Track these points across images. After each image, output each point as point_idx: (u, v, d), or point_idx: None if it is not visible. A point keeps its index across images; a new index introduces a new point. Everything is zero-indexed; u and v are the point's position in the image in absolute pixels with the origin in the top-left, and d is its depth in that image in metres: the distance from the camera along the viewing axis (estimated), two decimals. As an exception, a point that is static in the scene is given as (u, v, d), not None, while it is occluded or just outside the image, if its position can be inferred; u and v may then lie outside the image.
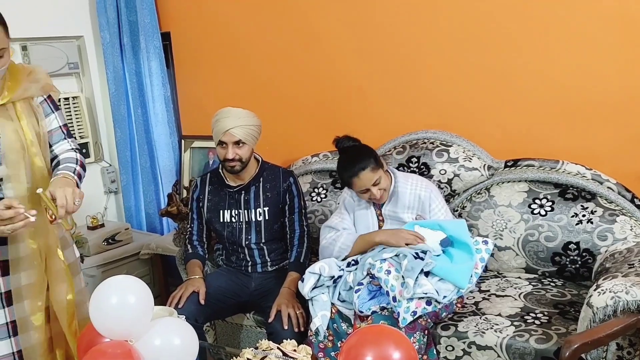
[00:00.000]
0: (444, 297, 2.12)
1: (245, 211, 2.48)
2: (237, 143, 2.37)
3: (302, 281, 2.32)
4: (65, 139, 1.95)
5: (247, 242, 2.49)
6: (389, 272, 2.14)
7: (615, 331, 1.73)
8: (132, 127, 3.54)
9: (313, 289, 2.32)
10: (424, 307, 2.10)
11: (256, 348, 1.65)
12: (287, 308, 2.26)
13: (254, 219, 2.47)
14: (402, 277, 2.11)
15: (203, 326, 2.40)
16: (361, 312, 2.20)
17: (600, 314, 1.84)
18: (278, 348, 1.65)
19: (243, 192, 2.49)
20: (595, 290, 1.94)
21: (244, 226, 2.49)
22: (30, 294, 1.92)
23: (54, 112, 1.93)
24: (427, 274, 2.15)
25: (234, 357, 1.64)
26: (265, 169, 2.52)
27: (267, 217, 2.46)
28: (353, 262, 2.35)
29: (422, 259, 2.15)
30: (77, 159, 1.93)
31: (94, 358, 1.60)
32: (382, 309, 2.17)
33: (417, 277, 2.09)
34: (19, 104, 1.80)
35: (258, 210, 2.46)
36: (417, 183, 2.39)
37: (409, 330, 2.10)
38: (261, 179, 2.49)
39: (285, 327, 2.21)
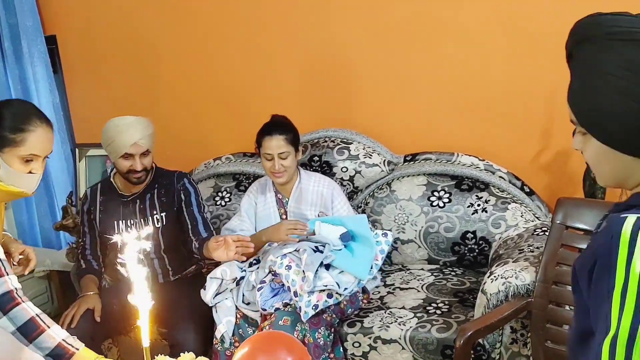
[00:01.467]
0: (345, 289, 2.14)
1: (142, 219, 2.38)
2: (144, 154, 2.28)
3: (204, 289, 2.27)
4: None
5: (145, 253, 2.38)
6: (289, 267, 2.12)
7: (506, 315, 1.81)
8: (19, 136, 3.30)
9: (216, 295, 2.27)
10: (325, 299, 2.10)
11: (153, 364, 1.57)
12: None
13: (152, 226, 2.37)
14: (303, 271, 2.11)
15: (101, 344, 2.28)
16: (264, 309, 2.17)
17: (493, 300, 1.91)
18: (175, 362, 1.58)
19: (138, 200, 2.39)
20: (488, 277, 2.01)
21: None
22: None
23: None
24: (327, 267, 2.16)
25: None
26: (160, 175, 2.43)
27: (164, 222, 2.38)
28: (255, 262, 2.32)
29: (322, 252, 2.15)
30: None
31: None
32: (285, 305, 2.15)
33: (317, 270, 2.09)
34: None
35: (155, 216, 2.37)
36: (320, 181, 2.41)
37: (313, 325, 2.09)
38: (156, 186, 2.40)
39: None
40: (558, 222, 1.95)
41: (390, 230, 2.59)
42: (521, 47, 2.50)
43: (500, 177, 2.55)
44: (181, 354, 1.64)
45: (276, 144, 2.29)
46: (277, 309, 2.15)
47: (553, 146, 2.55)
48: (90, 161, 3.37)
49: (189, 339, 2.17)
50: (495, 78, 2.58)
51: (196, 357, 1.62)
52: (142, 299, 1.44)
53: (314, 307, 2.07)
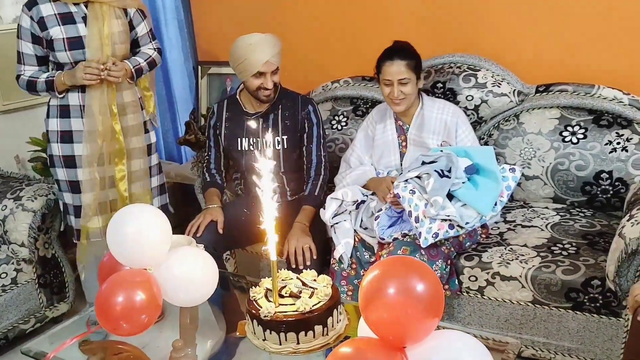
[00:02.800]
0: (467, 222, 2.06)
1: (264, 139, 2.41)
2: (274, 71, 2.30)
3: (324, 208, 2.29)
4: (150, 42, 2.49)
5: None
6: (413, 192, 2.07)
7: None
8: (146, 52, 3.43)
9: (334, 215, 2.28)
10: (447, 230, 2.04)
11: (276, 277, 1.62)
12: (295, 243, 2.21)
13: (273, 147, 2.40)
14: (426, 199, 2.05)
15: (222, 255, 2.39)
16: (382, 239, 2.16)
17: (633, 245, 1.77)
18: (297, 278, 1.62)
19: (261, 119, 2.41)
20: (628, 220, 1.86)
21: (262, 155, 2.42)
22: None
23: (143, 21, 2.43)
24: (450, 198, 2.08)
25: (254, 286, 1.61)
26: (284, 95, 2.42)
27: (285, 146, 2.39)
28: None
29: (449, 177, 2.07)
30: (150, 55, 2.46)
31: (114, 285, 1.60)
32: (404, 235, 2.12)
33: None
34: (105, 6, 2.25)
35: (277, 138, 2.39)
36: (444, 108, 2.30)
37: (431, 257, 2.06)
38: (280, 106, 2.40)
39: (293, 265, 2.18)
40: None
41: (515, 164, 2.45)
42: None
43: (646, 113, 2.31)
44: (304, 270, 1.67)
45: (396, 69, 2.20)
46: (395, 239, 2.13)
47: None
48: (211, 79, 3.45)
49: (306, 257, 2.21)
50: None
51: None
52: (270, 213, 1.46)
53: (434, 236, 2.02)
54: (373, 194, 2.31)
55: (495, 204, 2.14)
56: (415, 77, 2.24)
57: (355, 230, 2.27)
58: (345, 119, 2.91)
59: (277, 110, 2.40)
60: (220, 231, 2.29)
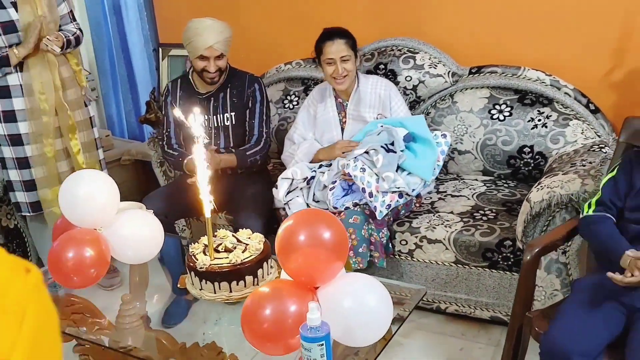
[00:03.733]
0: (413, 189, 2.27)
1: (215, 117, 2.57)
2: (218, 57, 2.43)
3: (276, 188, 2.45)
4: (71, 22, 2.59)
5: (216, 149, 2.59)
6: (363, 169, 2.26)
7: (572, 230, 1.79)
8: (108, 34, 3.56)
9: (287, 193, 2.46)
10: (397, 199, 2.25)
11: (214, 237, 1.80)
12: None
13: (222, 124, 2.56)
14: (376, 174, 2.24)
15: (173, 222, 2.55)
16: (335, 208, 2.34)
17: (536, 208, 1.99)
18: (233, 235, 1.79)
19: (212, 98, 2.57)
20: (535, 187, 2.07)
21: (213, 131, 2.58)
22: None
23: (64, 1, 2.54)
24: (396, 169, 2.28)
25: (193, 243, 1.79)
26: (233, 75, 2.58)
27: (233, 122, 2.56)
28: (327, 165, 2.48)
29: (394, 151, 2.26)
30: (75, 32, 2.57)
31: (65, 242, 1.76)
32: (355, 205, 2.31)
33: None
34: None
35: (225, 115, 2.55)
36: (377, 82, 2.50)
37: (377, 226, 2.25)
38: (229, 85, 2.56)
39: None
40: (623, 140, 1.95)
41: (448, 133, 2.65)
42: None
43: (565, 93, 2.52)
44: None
45: (337, 48, 2.37)
46: (347, 208, 2.31)
47: (626, 64, 2.47)
48: (172, 60, 3.59)
49: (253, 225, 2.38)
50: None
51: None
52: (202, 178, 1.62)
53: (387, 207, 2.21)
54: (320, 166, 2.47)
55: (434, 169, 2.36)
56: (354, 55, 2.42)
57: (307, 204, 2.44)
58: (297, 98, 3.08)
59: (227, 89, 2.56)
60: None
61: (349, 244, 2.16)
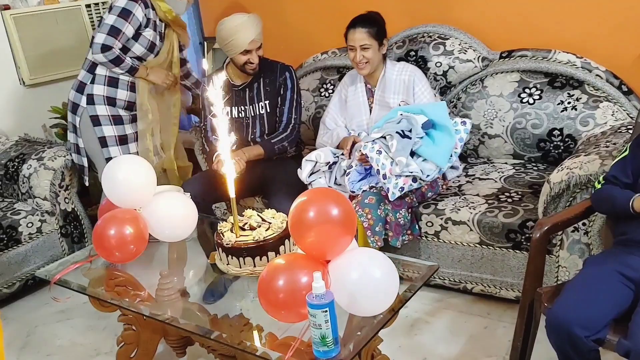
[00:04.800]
0: (427, 175, 2.33)
1: (251, 106, 2.71)
2: (259, 47, 2.61)
3: (301, 168, 2.58)
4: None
5: (252, 137, 2.73)
6: (379, 152, 2.34)
7: (585, 210, 1.80)
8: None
9: (310, 174, 2.58)
10: (410, 183, 2.32)
11: (242, 216, 1.93)
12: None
13: (258, 113, 2.70)
14: (391, 158, 2.32)
15: (211, 205, 2.72)
16: (352, 191, 2.44)
17: (555, 189, 2.01)
18: (258, 215, 1.92)
19: (247, 89, 2.71)
20: (557, 168, 2.10)
21: (250, 121, 2.73)
22: None
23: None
24: (412, 154, 2.35)
25: (222, 222, 1.93)
26: (265, 65, 2.71)
27: (268, 110, 2.69)
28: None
29: (410, 137, 2.33)
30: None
31: (107, 221, 1.94)
32: (371, 187, 2.40)
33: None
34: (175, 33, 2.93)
35: (260, 104, 2.69)
36: (403, 69, 2.56)
37: (395, 207, 2.33)
38: (262, 75, 2.70)
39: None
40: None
41: (479, 125, 2.69)
42: None
43: (597, 75, 2.51)
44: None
45: (359, 36, 2.45)
46: (363, 191, 2.41)
47: (660, 45, 2.43)
48: (215, 53, 3.76)
49: (286, 208, 2.51)
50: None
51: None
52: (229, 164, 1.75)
53: (400, 190, 2.29)
54: (343, 153, 2.58)
55: (451, 156, 2.41)
56: (377, 44, 2.48)
57: (329, 187, 2.55)
58: (332, 87, 3.18)
59: (260, 79, 2.69)
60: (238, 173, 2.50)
61: (366, 224, 2.26)
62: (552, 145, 2.55)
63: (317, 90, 3.21)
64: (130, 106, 2.86)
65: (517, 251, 2.23)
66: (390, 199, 2.30)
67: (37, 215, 2.80)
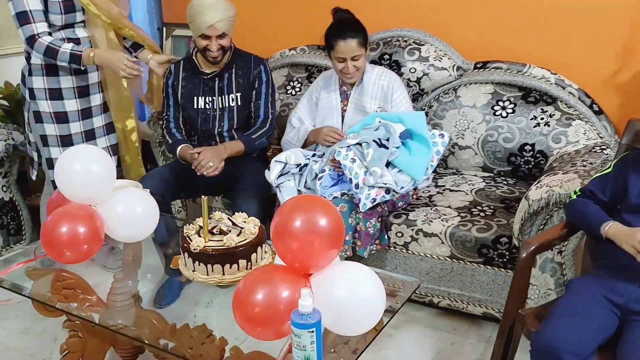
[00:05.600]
0: (401, 187, 2.25)
1: (220, 97, 2.54)
2: (221, 36, 2.40)
3: (269, 170, 2.44)
4: None
5: (219, 130, 2.57)
6: (354, 160, 2.24)
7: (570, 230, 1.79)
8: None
9: (279, 176, 2.44)
10: (383, 195, 2.23)
11: (210, 219, 1.79)
12: (206, 155, 2.37)
13: (227, 105, 2.54)
14: (365, 167, 2.23)
15: (170, 202, 2.54)
16: (324, 196, 2.33)
17: (534, 206, 1.97)
18: (228, 218, 1.78)
19: (217, 78, 2.54)
20: (535, 185, 2.06)
21: (217, 113, 2.56)
22: None
23: None
24: (387, 165, 2.26)
25: (188, 224, 1.77)
26: (238, 55, 2.56)
27: (239, 103, 2.54)
28: (319, 154, 2.46)
29: (386, 147, 2.24)
30: None
31: (59, 217, 1.74)
32: (343, 194, 2.30)
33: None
34: None
35: (231, 96, 2.53)
36: (382, 74, 2.47)
37: (366, 216, 2.24)
38: (234, 66, 2.54)
39: (199, 173, 2.37)
40: (625, 142, 1.94)
41: (450, 135, 2.64)
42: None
43: (570, 92, 2.51)
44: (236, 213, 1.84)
45: (350, 47, 2.33)
46: (334, 197, 2.30)
47: (632, 66, 2.46)
48: (175, 40, 3.56)
49: (251, 210, 2.37)
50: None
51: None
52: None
53: (372, 201, 2.20)
54: (314, 155, 2.47)
55: (427, 169, 2.33)
56: (364, 50, 2.39)
57: (299, 190, 2.43)
58: (299, 85, 3.06)
59: (232, 70, 2.53)
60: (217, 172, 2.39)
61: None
62: (522, 160, 2.54)
63: (284, 88, 3.08)
64: (83, 92, 2.48)
65: (487, 267, 2.19)
66: (361, 210, 2.21)
67: (-30, 203, 2.55)
